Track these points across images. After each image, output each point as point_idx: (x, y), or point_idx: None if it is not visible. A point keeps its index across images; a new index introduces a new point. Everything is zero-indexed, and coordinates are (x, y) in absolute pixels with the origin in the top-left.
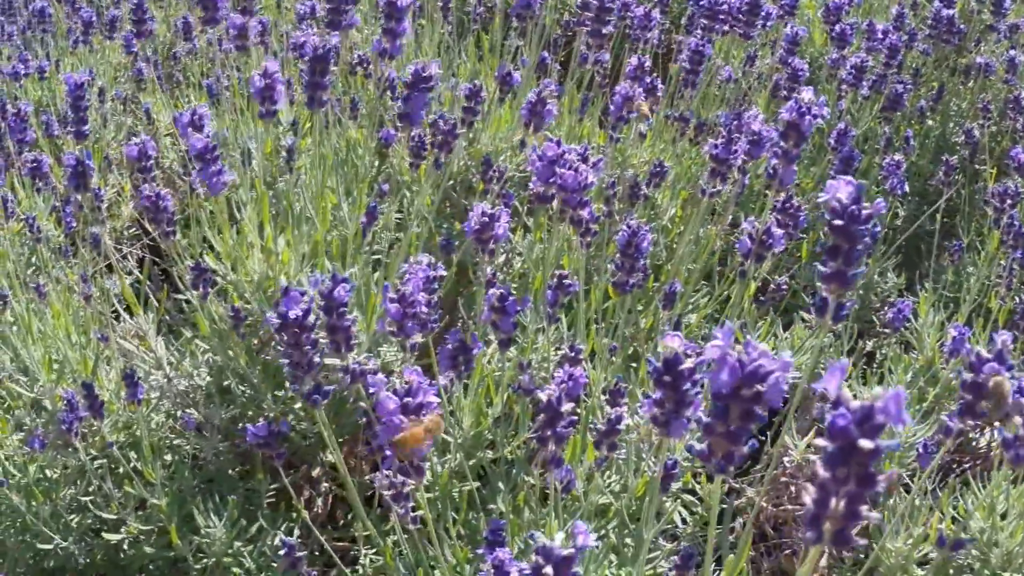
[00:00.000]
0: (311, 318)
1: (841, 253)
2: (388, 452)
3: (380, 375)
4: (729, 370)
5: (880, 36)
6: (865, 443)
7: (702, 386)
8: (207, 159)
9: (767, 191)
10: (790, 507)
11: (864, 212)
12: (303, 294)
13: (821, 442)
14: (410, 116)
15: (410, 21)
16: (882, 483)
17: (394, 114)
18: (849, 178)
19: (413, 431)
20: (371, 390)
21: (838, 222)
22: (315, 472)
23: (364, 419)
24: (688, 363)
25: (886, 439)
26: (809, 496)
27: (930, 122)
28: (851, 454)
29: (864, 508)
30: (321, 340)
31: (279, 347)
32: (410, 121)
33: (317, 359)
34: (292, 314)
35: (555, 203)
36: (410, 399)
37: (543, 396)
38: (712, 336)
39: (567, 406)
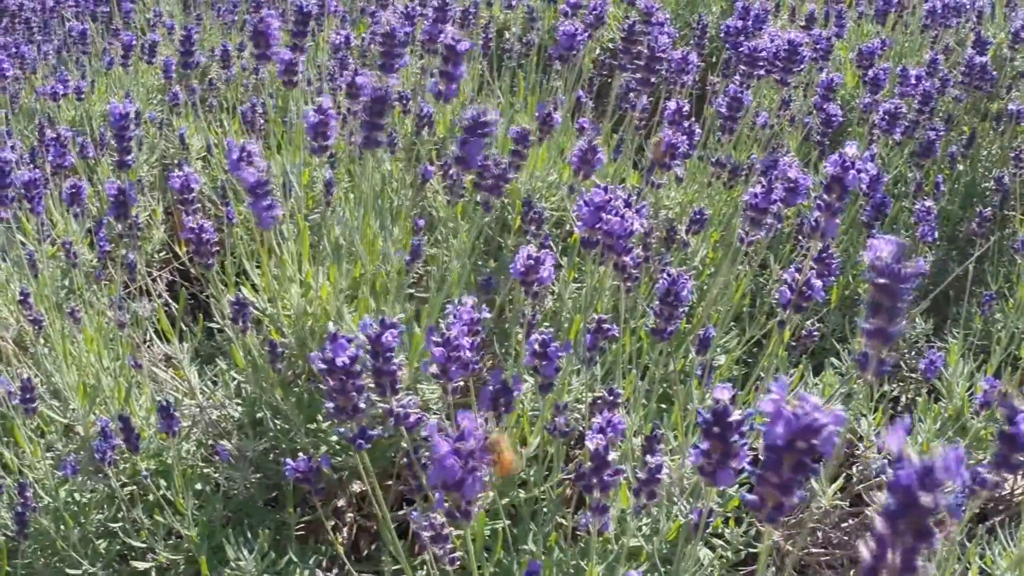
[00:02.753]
0: (358, 365)
1: (883, 310)
2: (438, 496)
3: (433, 420)
4: (784, 423)
5: (913, 82)
6: (926, 499)
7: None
8: (259, 193)
9: (798, 236)
10: (815, 550)
11: (906, 271)
12: (350, 340)
13: (882, 496)
14: (466, 161)
15: (466, 64)
16: (939, 538)
17: (430, 149)
18: (891, 237)
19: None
20: (424, 433)
21: (881, 280)
22: (340, 503)
23: (405, 460)
24: (736, 415)
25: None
26: (867, 549)
27: (960, 167)
28: (911, 509)
29: (919, 561)
30: (368, 385)
31: (325, 393)
32: (466, 165)
33: (363, 404)
34: (340, 361)
35: (599, 248)
36: (462, 444)
37: (590, 445)
38: (767, 390)
39: (613, 455)
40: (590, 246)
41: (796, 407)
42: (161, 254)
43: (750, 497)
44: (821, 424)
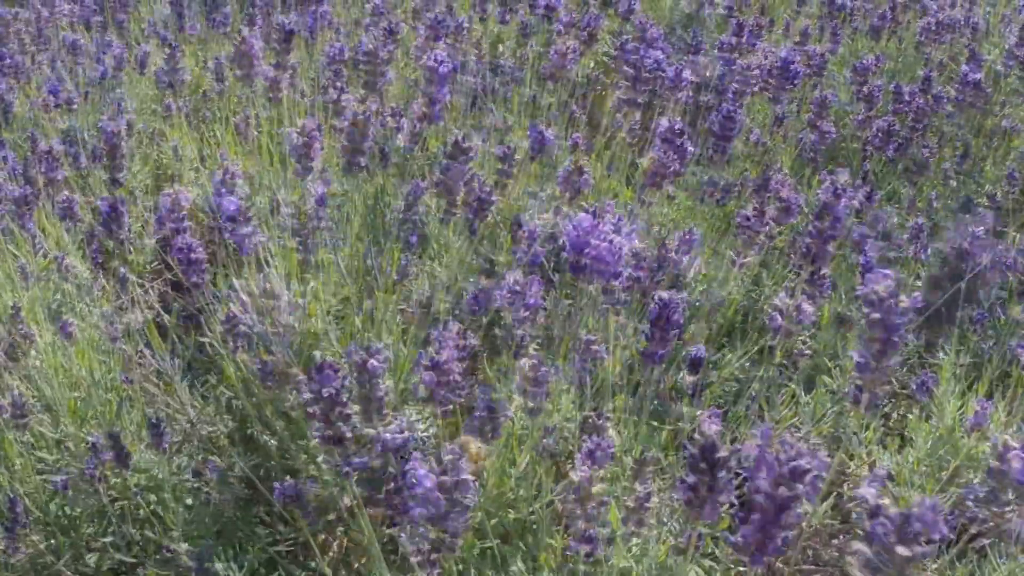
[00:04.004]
0: (344, 395)
1: (877, 345)
2: (422, 531)
3: (417, 454)
4: (767, 469)
5: (907, 98)
6: (903, 551)
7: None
8: (238, 221)
9: (791, 252)
10: (806, 567)
11: (901, 305)
12: (337, 371)
13: (860, 546)
14: (448, 186)
15: (449, 87)
16: None
17: (423, 164)
18: (887, 271)
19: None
20: (407, 466)
21: (875, 315)
22: (331, 517)
23: (392, 485)
24: (723, 452)
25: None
26: None
27: (953, 183)
28: (889, 560)
29: None
30: (354, 414)
31: (312, 422)
32: (448, 191)
33: (349, 434)
34: (326, 391)
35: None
36: (447, 477)
37: (575, 477)
38: (751, 435)
39: (598, 487)
40: (579, 271)
41: (780, 452)
42: (153, 264)
43: (733, 538)
44: (804, 470)
